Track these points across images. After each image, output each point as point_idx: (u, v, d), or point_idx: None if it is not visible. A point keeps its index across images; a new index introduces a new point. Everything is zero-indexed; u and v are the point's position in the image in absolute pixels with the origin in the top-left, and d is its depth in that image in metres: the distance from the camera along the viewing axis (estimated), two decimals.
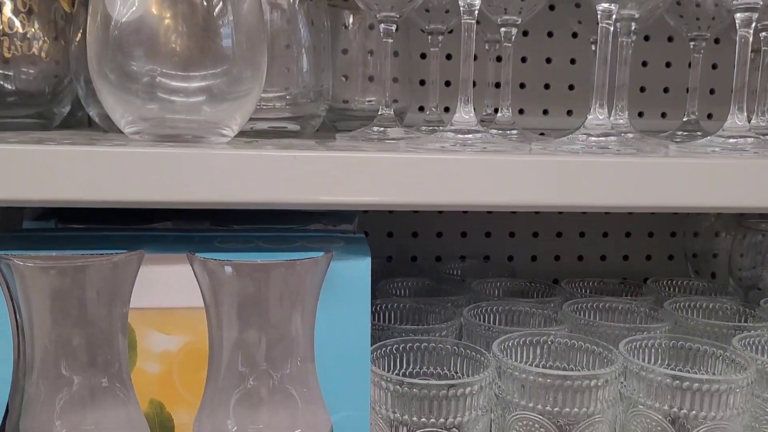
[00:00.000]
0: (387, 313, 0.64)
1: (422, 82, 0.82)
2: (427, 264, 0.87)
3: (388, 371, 0.51)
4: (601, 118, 0.47)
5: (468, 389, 0.46)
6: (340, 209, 0.45)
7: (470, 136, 0.45)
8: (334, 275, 0.42)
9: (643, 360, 0.54)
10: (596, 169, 0.41)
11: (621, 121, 0.53)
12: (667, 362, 0.56)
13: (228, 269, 0.39)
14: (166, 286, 0.41)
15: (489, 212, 0.89)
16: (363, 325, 0.43)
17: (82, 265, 0.38)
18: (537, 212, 0.89)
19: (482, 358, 0.51)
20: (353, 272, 0.42)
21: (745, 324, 0.63)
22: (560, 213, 0.90)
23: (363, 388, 0.44)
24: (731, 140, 0.48)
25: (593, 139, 0.46)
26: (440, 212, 0.88)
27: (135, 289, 0.41)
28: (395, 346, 0.53)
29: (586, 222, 0.90)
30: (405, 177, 0.39)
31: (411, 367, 0.54)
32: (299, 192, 0.38)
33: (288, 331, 0.42)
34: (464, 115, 0.46)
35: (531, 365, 0.52)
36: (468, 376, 0.52)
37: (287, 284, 0.41)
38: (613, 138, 0.46)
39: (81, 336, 0.40)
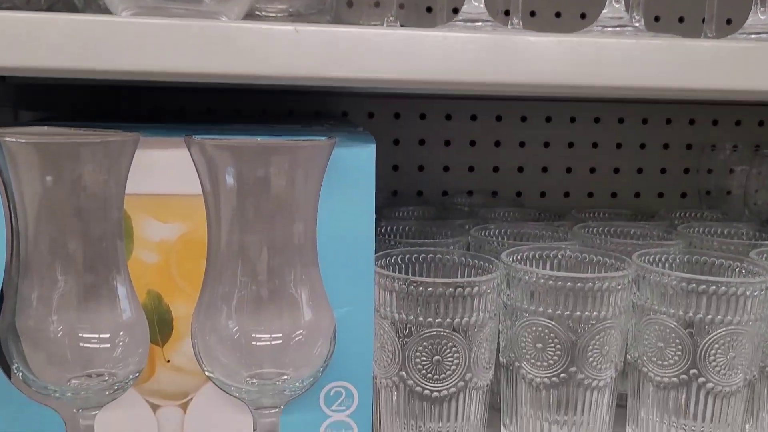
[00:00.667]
0: (392, 235, 0.62)
1: (429, 9, 0.79)
2: (433, 198, 0.86)
3: None
4: (617, 7, 0.45)
5: (475, 289, 0.45)
6: (343, 86, 0.43)
7: (479, 23, 0.43)
8: (338, 163, 0.40)
9: None
10: (613, 47, 0.39)
11: (636, 24, 0.51)
12: None
13: (227, 152, 0.38)
14: (163, 172, 0.40)
15: (497, 144, 0.87)
16: (367, 216, 0.41)
17: (75, 142, 0.36)
18: (546, 145, 0.87)
19: (491, 267, 0.49)
20: (357, 159, 0.41)
21: (763, 242, 0.61)
22: (570, 146, 0.88)
23: (367, 282, 0.42)
24: (753, 36, 0.46)
25: (609, 29, 0.44)
26: (447, 144, 0.86)
27: (130, 175, 0.39)
28: (400, 256, 0.52)
29: (596, 157, 0.88)
30: (412, 52, 0.37)
31: (417, 276, 0.52)
32: (301, 66, 0.36)
33: (290, 222, 0.40)
34: (474, 2, 0.44)
35: None
36: None
37: (289, 170, 0.39)
38: (629, 28, 0.44)
39: (75, 223, 0.39)
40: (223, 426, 0.43)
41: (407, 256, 0.52)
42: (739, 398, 0.48)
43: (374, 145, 0.41)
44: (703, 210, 0.80)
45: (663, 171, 0.90)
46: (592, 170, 0.89)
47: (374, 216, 0.42)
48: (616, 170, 0.89)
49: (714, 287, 0.46)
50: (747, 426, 0.54)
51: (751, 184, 0.83)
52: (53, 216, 0.38)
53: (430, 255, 0.52)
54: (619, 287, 0.47)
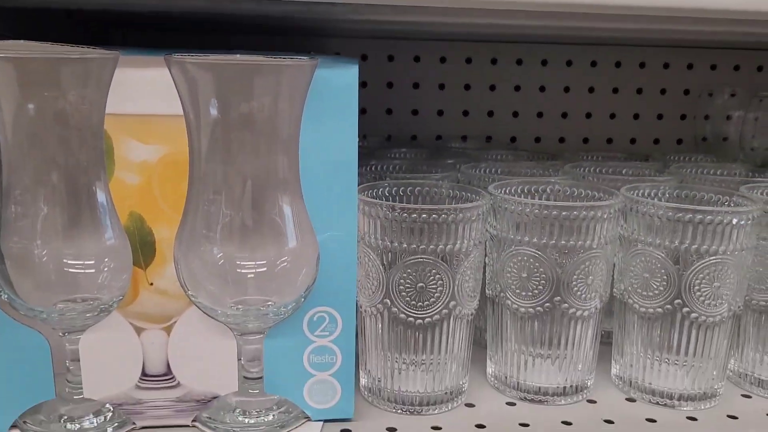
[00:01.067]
0: (382, 172, 0.62)
1: None
2: (427, 143, 0.85)
3: None
4: None
5: (460, 216, 0.44)
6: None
7: None
8: (320, 85, 0.40)
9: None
10: None
11: None
12: None
13: (207, 70, 0.37)
14: (144, 92, 0.39)
15: (492, 89, 0.86)
16: (350, 139, 0.41)
17: (54, 58, 0.36)
18: (542, 89, 0.86)
19: (478, 198, 0.49)
20: (340, 81, 0.40)
21: (756, 179, 0.61)
22: (566, 90, 0.87)
23: (350, 206, 0.42)
24: None
25: None
26: (441, 87, 0.85)
27: (111, 95, 0.39)
28: (387, 188, 0.51)
29: (592, 101, 0.87)
30: None
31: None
32: None
33: (273, 145, 0.40)
34: None
35: None
36: None
37: (271, 90, 0.38)
38: None
39: (56, 144, 0.39)
40: (207, 350, 0.43)
41: (394, 188, 0.52)
42: (723, 329, 0.48)
43: (357, 67, 0.40)
44: (698, 155, 0.79)
45: (659, 116, 0.89)
46: (588, 115, 0.88)
47: (357, 139, 0.41)
48: (612, 115, 0.88)
49: (700, 216, 0.46)
50: (732, 361, 0.54)
51: (747, 129, 0.82)
52: (32, 135, 0.38)
53: (418, 188, 0.52)
54: (605, 217, 0.47)
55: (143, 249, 0.41)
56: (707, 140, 0.88)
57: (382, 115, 0.85)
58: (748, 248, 0.47)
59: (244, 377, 0.45)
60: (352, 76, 0.40)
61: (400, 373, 0.48)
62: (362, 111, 0.84)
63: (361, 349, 0.49)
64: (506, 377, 0.51)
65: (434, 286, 0.45)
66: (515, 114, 0.87)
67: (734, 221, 0.46)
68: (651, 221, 0.47)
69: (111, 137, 0.40)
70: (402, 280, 0.45)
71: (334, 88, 0.40)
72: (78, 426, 0.43)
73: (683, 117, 0.89)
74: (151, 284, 0.42)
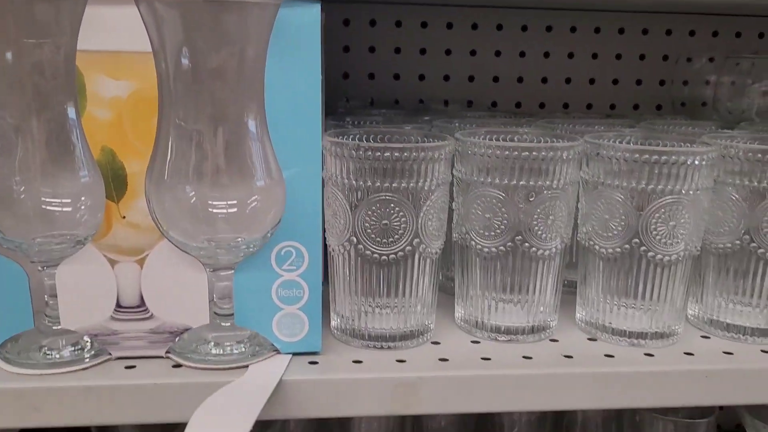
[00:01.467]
0: (359, 126, 0.63)
1: None
2: (409, 106, 0.86)
3: None
4: None
5: (422, 154, 0.46)
6: None
7: None
8: (284, 23, 0.41)
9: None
10: None
11: None
12: None
13: (174, 8, 0.39)
14: (114, 29, 0.41)
15: (473, 54, 0.87)
16: (313, 76, 0.42)
17: None
18: (522, 54, 0.88)
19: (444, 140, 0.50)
20: (302, 18, 0.41)
21: (721, 131, 0.62)
22: (546, 56, 0.88)
23: (314, 143, 0.44)
24: None
25: None
26: (423, 52, 0.86)
27: (82, 31, 0.40)
28: (356, 134, 0.53)
29: (572, 67, 0.89)
30: None
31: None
32: None
33: (239, 85, 0.41)
34: None
35: None
36: None
37: (237, 28, 0.40)
38: None
39: (30, 82, 0.40)
40: (179, 282, 0.45)
41: (364, 136, 0.53)
42: (681, 269, 0.50)
43: (319, 6, 0.42)
44: (675, 117, 0.80)
45: (638, 82, 0.90)
46: (568, 81, 0.89)
47: (320, 76, 0.43)
48: (592, 81, 0.89)
49: (656, 157, 0.47)
50: (694, 306, 0.56)
51: (723, 93, 0.84)
52: (6, 75, 0.39)
53: (387, 136, 0.53)
54: (566, 158, 0.48)
55: (115, 183, 0.43)
56: (686, 105, 0.89)
57: (364, 80, 0.86)
58: (704, 189, 0.49)
59: (215, 313, 0.47)
60: (313, 15, 0.41)
61: (368, 314, 0.49)
62: (344, 75, 0.86)
63: (332, 292, 0.51)
64: (473, 319, 0.53)
65: (398, 224, 0.47)
66: (495, 79, 0.88)
67: (689, 161, 0.47)
68: (611, 164, 0.49)
69: (82, 74, 0.41)
70: (367, 218, 0.47)
71: (297, 26, 0.41)
72: (57, 355, 0.45)
73: (662, 83, 0.91)
74: (124, 218, 0.44)
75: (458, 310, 0.54)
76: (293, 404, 0.45)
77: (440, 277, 0.62)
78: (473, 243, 0.50)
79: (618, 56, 0.89)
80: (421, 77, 0.87)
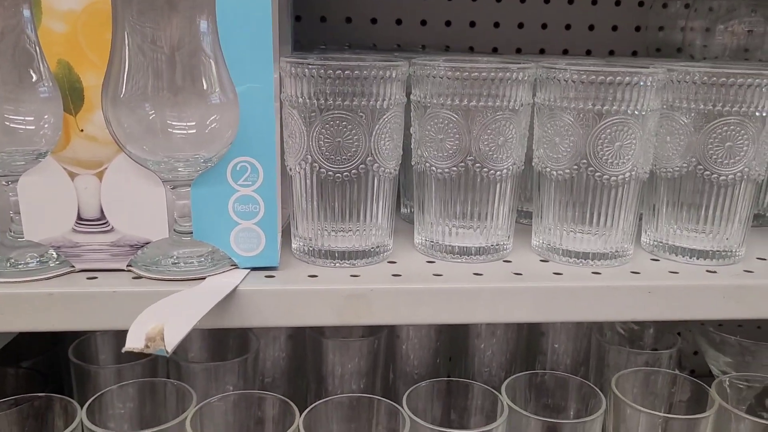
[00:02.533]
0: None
1: None
2: (386, 51, 0.87)
3: None
4: None
5: (373, 72, 0.47)
6: None
7: None
8: None
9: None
10: None
11: None
12: None
13: None
14: None
15: None
16: None
17: None
18: (499, 0, 0.88)
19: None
20: None
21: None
22: (522, 1, 0.89)
23: (266, 58, 0.45)
24: None
25: None
26: None
27: None
28: (315, 61, 0.54)
29: (548, 12, 0.89)
30: None
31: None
32: None
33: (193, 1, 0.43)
34: None
35: None
36: None
37: None
38: None
39: None
40: (137, 196, 0.47)
41: (322, 62, 0.54)
42: (629, 191, 0.51)
43: None
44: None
45: (614, 28, 0.91)
46: (544, 26, 0.90)
47: None
48: (568, 26, 0.90)
49: (602, 78, 0.48)
50: (647, 233, 0.57)
51: (696, 37, 0.84)
52: None
53: (345, 62, 0.55)
54: (519, 79, 0.49)
55: (72, 96, 0.44)
56: (661, 51, 0.90)
57: (342, 25, 0.87)
58: (651, 111, 0.50)
59: (175, 231, 0.49)
60: None
61: (326, 235, 0.51)
62: (321, 19, 0.87)
63: (292, 216, 0.52)
64: (429, 242, 0.54)
65: (351, 141, 0.48)
66: (472, 24, 0.89)
67: (637, 82, 0.48)
68: (562, 87, 0.50)
69: None
70: (321, 136, 0.48)
71: None
72: (23, 265, 0.47)
73: (637, 29, 0.91)
74: (82, 131, 0.45)
75: (416, 236, 0.56)
76: (248, 313, 0.47)
77: (407, 210, 0.64)
78: (428, 165, 0.52)
79: (594, 2, 0.90)
80: (398, 21, 0.88)
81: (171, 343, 0.36)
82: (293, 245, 0.53)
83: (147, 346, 0.36)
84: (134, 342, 0.36)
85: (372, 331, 0.73)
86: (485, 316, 0.49)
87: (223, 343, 0.71)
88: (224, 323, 0.46)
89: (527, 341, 0.78)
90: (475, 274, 0.50)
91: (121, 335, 0.67)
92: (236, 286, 0.46)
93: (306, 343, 0.73)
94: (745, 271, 0.52)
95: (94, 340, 0.69)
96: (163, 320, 0.38)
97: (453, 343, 0.78)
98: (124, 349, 0.37)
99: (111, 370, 0.64)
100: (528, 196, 0.62)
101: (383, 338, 0.72)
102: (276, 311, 0.47)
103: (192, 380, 0.64)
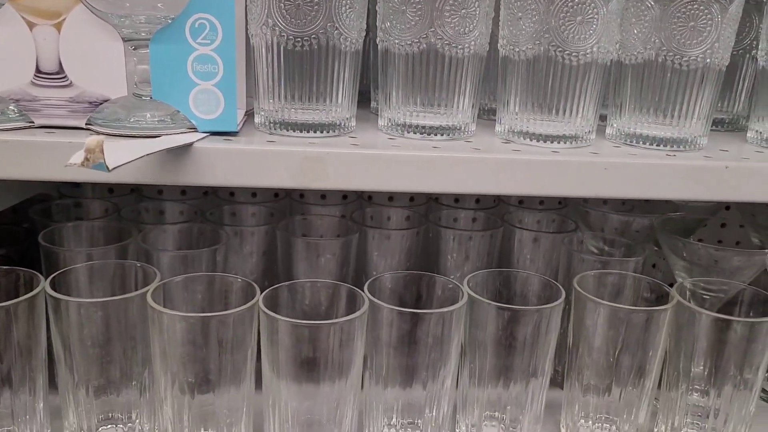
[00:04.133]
0: None
1: None
2: None
3: None
4: None
5: None
6: None
7: None
8: None
9: None
10: None
11: None
12: None
13: None
14: None
15: None
16: None
17: None
18: None
19: None
20: None
21: None
22: None
23: None
24: None
25: None
26: None
27: None
28: None
29: None
30: None
31: None
32: None
33: None
34: None
35: None
36: None
37: None
38: None
39: None
40: (97, 50, 0.47)
41: None
42: (591, 73, 0.51)
43: None
44: None
45: None
46: None
47: None
48: None
49: None
50: (614, 125, 0.57)
51: None
52: None
53: None
54: None
55: None
56: None
57: None
58: None
59: (134, 94, 0.49)
60: None
61: (287, 107, 0.51)
62: None
63: (256, 90, 0.53)
64: (392, 123, 0.54)
65: (310, 4, 0.48)
66: None
67: None
68: None
69: None
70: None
71: None
72: None
73: None
74: None
75: (380, 120, 0.56)
76: (203, 170, 0.47)
77: (376, 104, 0.64)
78: (392, 40, 0.52)
79: None
80: None
81: (113, 160, 0.36)
82: (255, 120, 0.53)
83: (87, 159, 0.36)
84: (74, 158, 0.36)
85: (344, 231, 0.73)
86: (440, 185, 0.49)
87: (194, 238, 0.72)
88: (179, 179, 0.47)
89: (499, 261, 0.79)
90: (434, 147, 0.51)
91: (89, 228, 0.68)
92: (192, 142, 0.46)
93: (278, 243, 0.73)
94: (705, 156, 0.52)
95: (66, 230, 0.70)
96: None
97: (424, 257, 0.78)
98: (65, 165, 0.37)
99: (80, 254, 0.65)
100: (493, 89, 0.62)
101: (354, 241, 0.73)
102: (231, 170, 0.47)
103: (161, 269, 0.64)
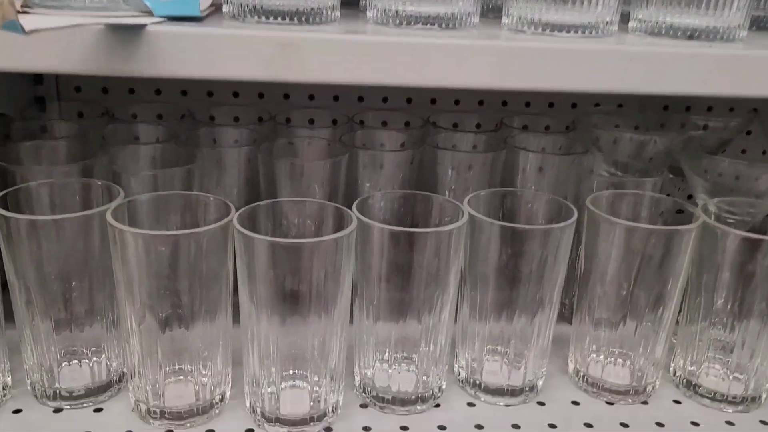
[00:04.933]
0: None
1: None
2: None
3: None
4: None
5: None
6: None
7: None
8: None
9: None
10: None
11: None
12: None
13: None
14: None
15: None
16: None
17: None
18: None
19: None
20: None
21: None
22: None
23: None
24: None
25: None
26: None
27: None
28: None
29: None
30: None
31: None
32: None
33: None
34: None
35: None
36: None
37: None
38: None
39: None
40: None
41: None
42: None
43: None
44: None
45: None
46: None
47: None
48: None
49: None
50: (641, 15, 0.50)
51: None
52: None
53: None
54: None
55: None
56: None
57: None
58: None
59: None
60: None
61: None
62: None
63: None
64: (383, 10, 0.47)
65: None
66: None
67: None
68: None
69: None
70: None
71: None
72: None
73: None
74: None
75: (369, 11, 0.49)
76: (161, 58, 0.40)
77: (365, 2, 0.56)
78: None
79: None
80: None
81: (30, 23, 0.29)
82: (224, 9, 0.46)
83: None
84: None
85: (333, 154, 0.67)
86: (439, 77, 0.42)
87: (168, 160, 0.65)
88: (132, 69, 0.40)
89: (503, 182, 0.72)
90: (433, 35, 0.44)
91: (51, 148, 0.61)
92: (145, 24, 0.39)
93: (260, 168, 0.67)
94: (745, 47, 0.45)
95: (24, 149, 0.63)
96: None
97: (420, 185, 0.72)
98: None
99: (39, 172, 0.58)
100: None
101: (343, 163, 0.66)
102: (193, 59, 0.40)
103: (130, 193, 0.58)
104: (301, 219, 0.54)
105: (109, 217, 0.48)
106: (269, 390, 0.51)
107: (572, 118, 0.80)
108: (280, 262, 0.47)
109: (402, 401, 0.54)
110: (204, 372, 0.52)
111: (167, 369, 0.51)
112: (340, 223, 0.51)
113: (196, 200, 0.53)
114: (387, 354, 0.54)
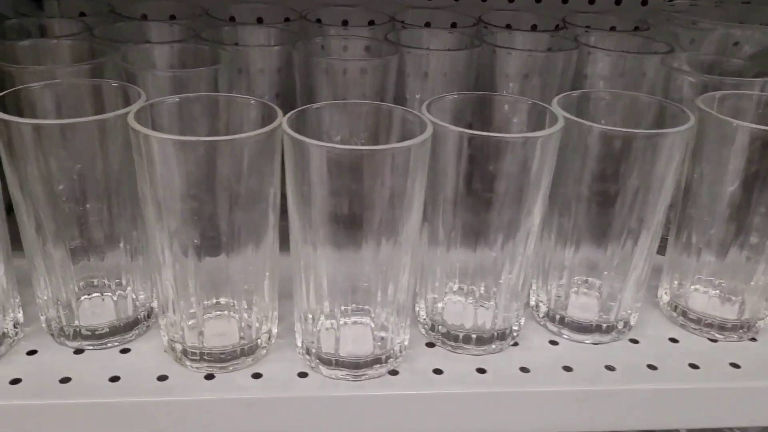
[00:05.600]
0: None
1: None
2: None
3: None
4: None
5: None
6: None
7: None
8: None
9: None
10: None
11: None
12: None
13: None
14: None
15: None
16: None
17: None
18: None
19: None
20: None
21: None
22: None
23: None
24: None
25: None
26: None
27: None
28: None
29: None
30: None
31: None
32: None
33: None
34: None
35: None
36: None
37: None
38: None
39: None
40: None
41: None
42: None
43: None
44: None
45: None
46: None
47: None
48: None
49: None
50: None
51: None
52: None
53: None
54: None
55: None
56: None
57: None
58: None
59: None
60: None
61: None
62: None
63: None
64: None
65: None
66: None
67: None
68: None
69: None
70: None
71: None
72: None
73: None
74: None
75: None
76: None
77: None
78: None
79: None
80: None
81: None
82: None
83: None
84: None
85: (378, 54, 0.57)
86: None
87: (189, 59, 0.56)
88: None
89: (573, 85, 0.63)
90: None
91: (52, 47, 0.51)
92: None
93: (293, 67, 0.57)
94: None
95: (22, 49, 0.54)
96: None
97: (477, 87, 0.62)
98: None
99: (40, 73, 0.48)
100: None
101: (393, 63, 0.56)
102: None
103: (149, 96, 0.48)
104: (358, 124, 0.45)
105: (131, 121, 0.39)
106: (326, 326, 0.43)
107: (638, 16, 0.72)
108: (340, 174, 0.38)
109: (478, 340, 0.47)
110: (247, 307, 0.44)
111: (205, 303, 0.43)
112: (408, 130, 0.42)
113: (234, 102, 0.44)
114: (459, 286, 0.46)
